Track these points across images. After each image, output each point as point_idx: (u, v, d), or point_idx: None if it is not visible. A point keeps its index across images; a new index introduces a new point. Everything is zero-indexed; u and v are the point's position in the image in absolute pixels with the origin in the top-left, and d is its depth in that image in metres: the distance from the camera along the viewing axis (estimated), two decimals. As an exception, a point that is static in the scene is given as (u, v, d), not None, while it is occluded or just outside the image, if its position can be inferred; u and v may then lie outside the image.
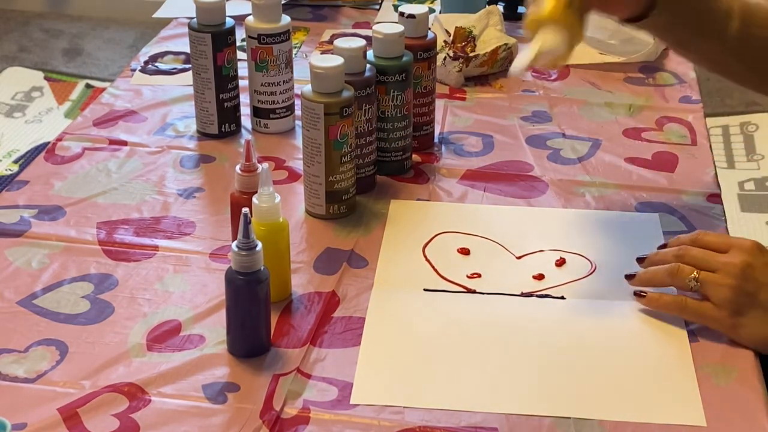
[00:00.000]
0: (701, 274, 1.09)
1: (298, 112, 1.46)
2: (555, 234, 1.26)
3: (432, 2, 1.91)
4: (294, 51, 1.66)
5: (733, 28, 1.20)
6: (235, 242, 1.02)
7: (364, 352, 1.07)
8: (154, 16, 1.92)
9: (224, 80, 1.44)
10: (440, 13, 1.79)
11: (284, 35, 1.44)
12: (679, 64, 1.70)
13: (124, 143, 1.46)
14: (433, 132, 1.45)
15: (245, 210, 1.02)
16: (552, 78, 1.65)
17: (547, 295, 1.15)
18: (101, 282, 1.17)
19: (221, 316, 1.09)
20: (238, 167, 1.16)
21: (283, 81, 1.46)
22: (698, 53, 1.28)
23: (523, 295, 1.15)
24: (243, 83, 1.47)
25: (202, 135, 1.48)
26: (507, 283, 1.17)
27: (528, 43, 1.11)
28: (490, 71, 1.65)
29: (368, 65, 1.30)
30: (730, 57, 1.24)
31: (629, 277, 1.14)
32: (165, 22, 1.88)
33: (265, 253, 1.03)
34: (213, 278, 1.18)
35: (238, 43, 1.46)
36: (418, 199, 1.33)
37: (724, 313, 1.07)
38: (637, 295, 1.12)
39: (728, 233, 1.26)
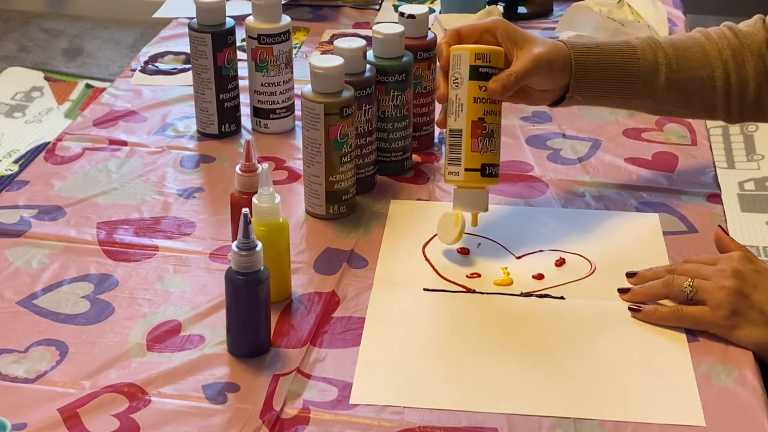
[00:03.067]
0: (696, 281, 1.11)
1: (298, 112, 1.46)
2: (555, 234, 1.26)
3: (432, 2, 1.91)
4: (294, 51, 1.66)
5: (660, 82, 1.27)
6: (235, 242, 1.02)
7: (363, 351, 1.07)
8: (154, 16, 1.92)
9: (224, 80, 1.44)
10: (440, 13, 1.79)
11: (284, 35, 1.44)
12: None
13: (124, 143, 1.46)
14: (433, 132, 1.45)
15: (245, 210, 1.02)
16: (552, 78, 1.65)
17: (546, 295, 1.15)
18: (101, 282, 1.17)
19: (221, 316, 1.09)
20: (238, 167, 1.16)
21: (283, 81, 1.46)
22: (634, 109, 1.40)
23: (522, 295, 1.15)
24: (243, 83, 1.47)
25: (202, 135, 1.48)
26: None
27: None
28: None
29: (368, 65, 1.30)
30: (661, 106, 1.30)
31: (623, 292, 1.15)
32: (165, 22, 1.88)
33: (265, 254, 1.03)
34: (213, 278, 1.18)
35: (238, 43, 1.46)
36: (418, 199, 1.33)
37: (721, 314, 1.08)
38: (632, 310, 1.12)
39: (728, 233, 1.26)
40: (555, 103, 1.29)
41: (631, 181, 1.37)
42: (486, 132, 1.19)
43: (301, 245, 1.23)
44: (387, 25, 1.34)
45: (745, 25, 1.32)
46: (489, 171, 1.20)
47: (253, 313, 1.05)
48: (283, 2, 1.45)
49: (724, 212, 1.31)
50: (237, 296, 1.04)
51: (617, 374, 1.04)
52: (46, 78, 3.46)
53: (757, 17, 1.33)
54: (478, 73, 1.18)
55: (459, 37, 1.23)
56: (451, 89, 1.20)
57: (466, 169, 1.19)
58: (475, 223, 1.23)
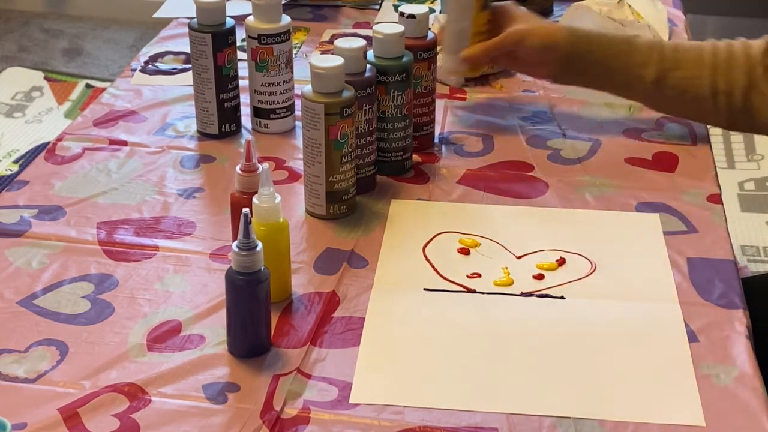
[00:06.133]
0: None
1: (298, 112, 1.46)
2: (555, 234, 1.26)
3: (432, 2, 1.91)
4: (294, 51, 1.66)
5: (649, 75, 1.38)
6: (236, 242, 1.02)
7: (363, 351, 1.07)
8: (154, 16, 1.92)
9: (224, 80, 1.44)
10: (440, 13, 1.79)
11: (284, 35, 1.44)
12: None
13: (124, 143, 1.46)
14: (433, 132, 1.45)
15: (245, 210, 1.02)
16: (552, 78, 1.65)
17: (547, 295, 1.15)
18: (101, 282, 1.17)
19: (221, 316, 1.09)
20: (238, 167, 1.16)
21: (283, 81, 1.46)
22: (632, 99, 1.48)
23: (522, 295, 1.16)
24: (243, 83, 1.47)
25: (203, 135, 1.48)
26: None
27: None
28: (491, 71, 1.65)
29: (368, 65, 1.30)
30: (655, 100, 1.44)
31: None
32: (165, 22, 1.88)
33: (266, 253, 1.03)
34: (213, 278, 1.18)
35: (238, 43, 1.46)
36: (418, 199, 1.33)
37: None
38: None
39: (728, 233, 1.27)
40: (553, 80, 1.46)
41: (631, 181, 1.37)
42: None
43: (301, 245, 1.23)
44: (387, 25, 1.34)
45: (754, 42, 1.38)
46: None
47: (253, 313, 1.05)
48: (283, 2, 1.45)
49: (724, 212, 1.31)
50: (237, 296, 1.04)
51: (617, 374, 1.05)
52: (46, 78, 3.46)
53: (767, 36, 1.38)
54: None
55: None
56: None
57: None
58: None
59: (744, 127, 1.43)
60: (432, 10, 1.82)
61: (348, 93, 1.24)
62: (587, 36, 1.41)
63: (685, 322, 1.11)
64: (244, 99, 1.49)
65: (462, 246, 1.23)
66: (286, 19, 1.44)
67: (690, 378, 1.03)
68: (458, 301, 1.15)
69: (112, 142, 1.46)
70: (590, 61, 1.40)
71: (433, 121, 1.45)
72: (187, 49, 1.49)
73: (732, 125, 1.42)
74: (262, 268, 1.03)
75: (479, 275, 1.18)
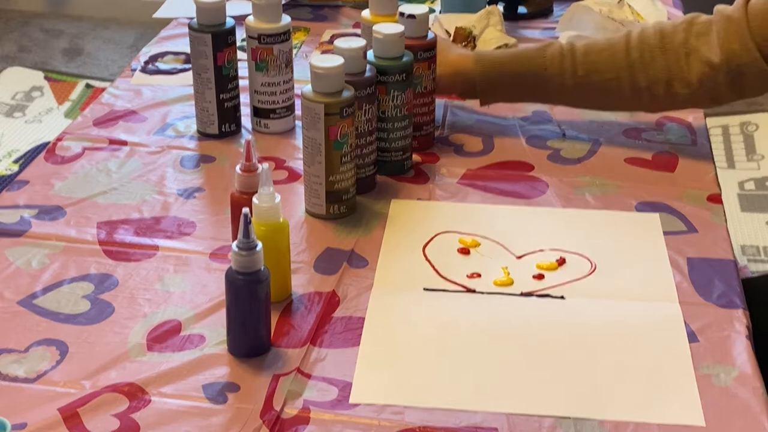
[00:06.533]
0: None
1: (298, 112, 1.46)
2: (555, 234, 1.26)
3: (432, 2, 1.91)
4: (294, 51, 1.66)
5: (567, 86, 1.41)
6: (236, 242, 1.02)
7: (363, 351, 1.07)
8: (154, 16, 1.92)
9: (224, 80, 1.44)
10: (440, 13, 1.79)
11: (284, 35, 1.44)
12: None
13: (124, 143, 1.46)
14: (433, 132, 1.45)
15: (245, 210, 1.02)
16: (552, 78, 1.65)
17: (547, 295, 1.15)
18: (101, 282, 1.17)
19: (221, 316, 1.09)
20: (238, 167, 1.16)
21: (283, 81, 1.46)
22: (546, 104, 1.52)
23: (522, 294, 1.15)
24: (243, 83, 1.47)
25: (203, 135, 1.48)
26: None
27: None
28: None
29: (368, 65, 1.30)
30: (576, 104, 1.46)
31: None
32: (165, 22, 1.88)
33: (266, 253, 1.03)
34: (213, 278, 1.18)
35: (238, 43, 1.46)
36: (418, 199, 1.33)
37: None
38: None
39: (728, 233, 1.27)
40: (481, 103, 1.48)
41: (631, 181, 1.37)
42: None
43: (301, 245, 1.23)
44: (387, 25, 1.34)
45: (671, 25, 1.39)
46: None
47: (253, 313, 1.05)
48: (283, 2, 1.45)
49: (724, 212, 1.31)
50: (237, 296, 1.04)
51: (617, 374, 1.05)
52: (46, 78, 3.46)
53: (689, 17, 1.39)
54: None
55: None
56: None
57: None
58: None
59: (668, 110, 1.48)
60: (432, 10, 1.82)
61: (348, 93, 1.24)
62: (496, 58, 1.44)
63: (685, 322, 1.11)
64: (244, 99, 1.49)
65: (462, 246, 1.23)
66: (286, 19, 1.44)
67: (690, 378, 1.03)
68: (458, 301, 1.15)
69: (112, 142, 1.46)
70: (506, 83, 1.43)
71: (432, 121, 1.45)
72: (187, 49, 1.49)
73: (657, 111, 1.47)
74: (262, 268, 1.03)
75: (479, 275, 1.18)
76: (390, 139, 1.35)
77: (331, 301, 1.14)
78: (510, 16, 1.84)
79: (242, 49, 1.49)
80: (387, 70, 1.32)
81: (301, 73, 1.50)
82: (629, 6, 1.73)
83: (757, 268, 2.48)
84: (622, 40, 1.39)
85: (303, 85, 1.26)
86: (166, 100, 1.58)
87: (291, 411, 1.00)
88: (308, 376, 1.04)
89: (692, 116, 1.53)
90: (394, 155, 1.37)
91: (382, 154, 1.36)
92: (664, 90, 1.37)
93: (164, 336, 1.09)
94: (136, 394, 1.01)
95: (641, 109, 1.45)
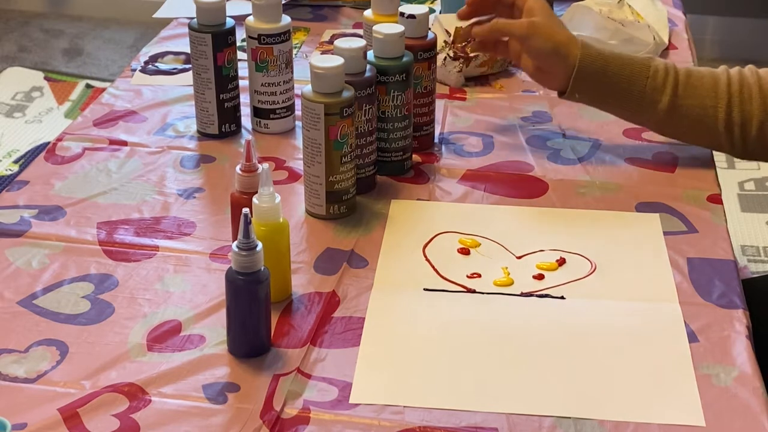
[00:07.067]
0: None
1: (298, 112, 1.46)
2: (555, 234, 1.26)
3: (432, 2, 1.91)
4: (294, 51, 1.66)
5: (663, 103, 1.35)
6: (236, 242, 1.02)
7: (363, 351, 1.07)
8: (154, 16, 1.92)
9: (224, 80, 1.44)
10: (440, 13, 1.79)
11: (284, 35, 1.44)
12: (679, 64, 1.69)
13: (124, 143, 1.46)
14: (433, 132, 1.45)
15: (245, 210, 1.02)
16: (552, 78, 1.65)
17: (547, 295, 1.15)
18: (101, 282, 1.17)
19: (221, 316, 1.09)
20: (238, 167, 1.16)
21: (283, 81, 1.46)
22: (638, 124, 1.43)
23: (523, 295, 1.15)
24: (243, 83, 1.47)
25: (203, 135, 1.48)
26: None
27: None
28: (491, 71, 1.65)
29: (368, 65, 1.30)
30: (664, 127, 1.39)
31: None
32: (165, 22, 1.88)
33: (266, 254, 1.03)
34: (213, 278, 1.18)
35: (238, 43, 1.46)
36: (418, 199, 1.33)
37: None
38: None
39: (728, 233, 1.27)
40: (560, 94, 1.39)
41: (631, 181, 1.37)
42: None
43: (301, 245, 1.23)
44: (387, 25, 1.34)
45: (765, 70, 1.36)
46: None
47: (253, 313, 1.05)
48: (283, 2, 1.45)
49: (724, 212, 1.31)
50: (237, 296, 1.04)
51: (617, 374, 1.05)
52: (46, 78, 3.46)
53: None
54: None
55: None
56: None
57: None
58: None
59: (758, 158, 1.39)
60: (432, 10, 1.82)
61: (348, 93, 1.24)
62: (602, 53, 1.35)
63: (685, 322, 1.11)
64: (244, 99, 1.49)
65: (462, 246, 1.23)
66: (286, 19, 1.44)
67: (690, 378, 1.03)
68: (458, 301, 1.15)
69: (112, 142, 1.46)
70: (603, 81, 1.35)
71: (432, 121, 1.45)
72: (187, 49, 1.49)
73: (745, 155, 1.38)
74: (262, 268, 1.03)
75: (479, 275, 1.18)
76: (390, 139, 1.35)
77: (331, 301, 1.14)
78: (510, 16, 1.83)
79: (242, 49, 1.49)
80: (387, 70, 1.32)
81: (301, 73, 1.50)
82: (629, 6, 1.73)
83: (757, 269, 2.48)
84: (723, 73, 1.35)
85: (303, 85, 1.26)
86: (166, 100, 1.58)
87: (291, 411, 1.00)
88: (308, 376, 1.04)
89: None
90: (394, 155, 1.37)
91: (382, 154, 1.36)
92: (756, 130, 1.33)
93: (164, 336, 1.09)
94: (136, 394, 1.01)
95: (729, 148, 1.37)
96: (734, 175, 2.83)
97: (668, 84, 1.34)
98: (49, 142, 1.48)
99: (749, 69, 1.36)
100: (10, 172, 2.86)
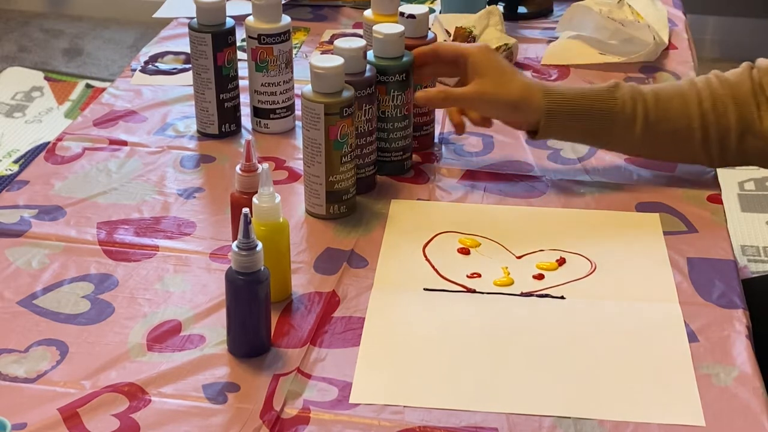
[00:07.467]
0: None
1: (298, 112, 1.46)
2: (555, 234, 1.26)
3: (432, 2, 1.91)
4: (294, 51, 1.66)
5: (636, 132, 1.32)
6: (236, 242, 1.02)
7: (363, 351, 1.07)
8: (154, 16, 1.92)
9: (224, 80, 1.44)
10: (440, 13, 1.79)
11: (284, 35, 1.44)
12: (679, 64, 1.70)
13: (124, 143, 1.46)
14: (433, 132, 1.45)
15: (245, 210, 1.02)
16: (552, 78, 1.65)
17: (547, 295, 1.15)
18: (101, 282, 1.17)
19: (221, 316, 1.09)
20: (238, 167, 1.16)
21: (283, 81, 1.46)
22: (606, 149, 1.40)
23: (522, 294, 1.15)
24: (243, 83, 1.47)
25: (202, 135, 1.48)
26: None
27: None
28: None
29: (368, 65, 1.30)
30: (638, 152, 1.37)
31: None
32: (165, 22, 1.88)
33: (266, 253, 1.03)
34: (213, 278, 1.18)
35: (238, 43, 1.46)
36: (418, 199, 1.33)
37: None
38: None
39: (728, 233, 1.27)
40: (531, 134, 1.36)
41: (631, 181, 1.37)
42: None
43: (301, 245, 1.23)
44: (387, 25, 1.34)
45: (732, 74, 1.33)
46: None
47: (253, 313, 1.05)
48: (283, 2, 1.45)
49: (724, 212, 1.31)
50: (237, 296, 1.04)
51: (617, 374, 1.04)
52: (46, 78, 3.46)
53: (744, 65, 1.34)
54: None
55: (436, 53, 1.35)
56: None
57: None
58: None
59: (736, 165, 1.36)
60: (432, 10, 1.82)
61: (348, 93, 1.24)
62: (565, 95, 1.32)
63: (685, 322, 1.11)
64: (244, 99, 1.49)
65: (462, 246, 1.23)
66: (286, 19, 1.44)
67: (690, 378, 1.03)
68: (458, 301, 1.15)
69: (112, 142, 1.46)
70: (572, 123, 1.32)
71: (432, 121, 1.45)
72: (187, 49, 1.49)
73: (723, 165, 1.36)
74: (262, 268, 1.03)
75: (479, 275, 1.18)
76: (390, 139, 1.35)
77: (331, 301, 1.14)
78: (510, 16, 1.84)
79: (242, 49, 1.49)
80: (387, 70, 1.32)
81: (301, 73, 1.50)
82: (629, 6, 1.73)
83: (757, 269, 2.48)
84: (691, 89, 1.32)
85: (303, 85, 1.26)
86: (166, 100, 1.58)
87: (291, 411, 1.00)
88: (308, 376, 1.04)
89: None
90: (394, 155, 1.37)
91: (382, 154, 1.36)
92: (736, 142, 1.31)
93: (164, 336, 1.09)
94: (136, 394, 1.01)
95: (709, 162, 1.35)
96: (734, 175, 2.83)
97: (638, 113, 1.31)
98: (49, 142, 1.48)
99: (715, 77, 1.33)
100: (10, 172, 2.86)
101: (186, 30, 1.54)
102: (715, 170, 1.39)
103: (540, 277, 1.18)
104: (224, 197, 1.26)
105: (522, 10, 1.87)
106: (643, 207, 1.31)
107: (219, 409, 0.99)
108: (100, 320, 1.11)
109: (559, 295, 1.15)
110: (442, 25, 1.68)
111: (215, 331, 1.09)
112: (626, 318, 1.12)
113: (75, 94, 3.36)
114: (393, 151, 1.36)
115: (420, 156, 1.42)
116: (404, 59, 1.33)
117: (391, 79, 1.32)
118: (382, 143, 1.35)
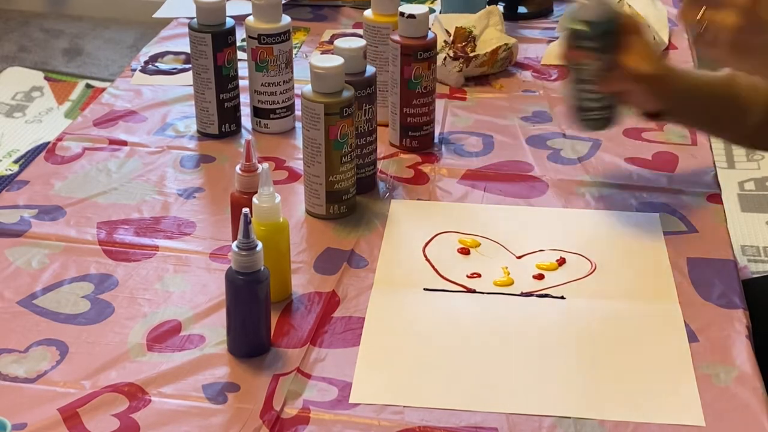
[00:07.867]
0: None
1: (298, 112, 1.46)
2: (555, 234, 1.26)
3: (432, 2, 1.91)
4: (294, 51, 1.66)
5: (752, 121, 1.30)
6: (236, 242, 1.02)
7: (363, 351, 1.07)
8: (154, 16, 1.92)
9: (224, 80, 1.44)
10: (440, 13, 1.79)
11: (284, 35, 1.44)
12: (679, 64, 1.69)
13: (124, 143, 1.46)
14: (433, 132, 1.45)
15: (245, 210, 1.02)
16: (552, 78, 1.65)
17: (547, 295, 1.15)
18: (101, 282, 1.17)
19: (221, 316, 1.09)
20: (238, 167, 1.16)
21: (283, 81, 1.46)
22: (718, 139, 1.43)
23: (522, 294, 1.15)
24: (243, 83, 1.47)
25: (202, 135, 1.48)
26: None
27: None
28: (491, 71, 1.65)
29: (368, 65, 1.30)
30: (751, 144, 1.38)
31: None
32: (165, 22, 1.88)
33: (266, 253, 1.03)
34: (213, 278, 1.18)
35: (238, 43, 1.46)
36: (418, 199, 1.33)
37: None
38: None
39: (728, 233, 1.27)
40: (650, 115, 1.32)
41: (631, 181, 1.37)
42: None
43: (301, 245, 1.23)
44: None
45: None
46: None
47: (253, 313, 1.05)
48: (283, 2, 1.45)
49: (724, 212, 1.31)
50: (237, 296, 1.04)
51: (617, 374, 1.05)
52: (46, 78, 3.46)
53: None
54: None
55: None
56: None
57: None
58: None
59: None
60: (432, 10, 1.82)
61: (348, 93, 1.24)
62: (688, 74, 1.33)
63: (685, 322, 1.11)
64: (244, 99, 1.49)
65: (462, 246, 1.23)
66: (286, 19, 1.44)
67: (690, 378, 1.03)
68: (458, 301, 1.15)
69: (112, 142, 1.46)
70: (693, 103, 1.30)
71: (432, 121, 1.44)
72: (187, 49, 1.49)
73: None
74: (262, 268, 1.03)
75: (479, 275, 1.18)
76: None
77: (331, 301, 1.14)
78: (510, 16, 1.84)
79: (242, 49, 1.49)
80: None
81: (301, 73, 1.50)
82: (629, 6, 1.73)
83: (757, 268, 2.48)
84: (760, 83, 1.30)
85: (303, 85, 1.26)
86: (166, 100, 1.58)
87: (291, 411, 1.00)
88: (308, 376, 1.04)
89: (692, 116, 1.53)
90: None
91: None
92: None
93: (164, 336, 1.09)
94: (136, 394, 1.01)
95: None
96: (734, 175, 2.83)
97: (759, 101, 1.30)
98: (49, 142, 1.48)
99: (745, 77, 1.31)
100: (10, 172, 2.86)
101: (186, 30, 1.54)
102: (715, 170, 1.39)
103: (540, 277, 1.18)
104: (224, 197, 1.26)
105: (522, 10, 1.87)
106: (643, 207, 1.31)
107: (219, 409, 0.99)
108: (100, 320, 1.11)
109: (559, 295, 1.15)
110: (442, 25, 1.68)
111: (215, 331, 1.09)
112: (626, 318, 1.12)
113: (75, 94, 3.36)
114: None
115: (420, 156, 1.42)
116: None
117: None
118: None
